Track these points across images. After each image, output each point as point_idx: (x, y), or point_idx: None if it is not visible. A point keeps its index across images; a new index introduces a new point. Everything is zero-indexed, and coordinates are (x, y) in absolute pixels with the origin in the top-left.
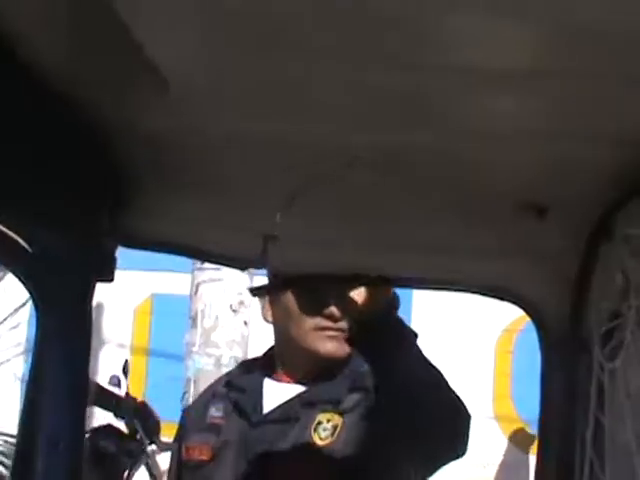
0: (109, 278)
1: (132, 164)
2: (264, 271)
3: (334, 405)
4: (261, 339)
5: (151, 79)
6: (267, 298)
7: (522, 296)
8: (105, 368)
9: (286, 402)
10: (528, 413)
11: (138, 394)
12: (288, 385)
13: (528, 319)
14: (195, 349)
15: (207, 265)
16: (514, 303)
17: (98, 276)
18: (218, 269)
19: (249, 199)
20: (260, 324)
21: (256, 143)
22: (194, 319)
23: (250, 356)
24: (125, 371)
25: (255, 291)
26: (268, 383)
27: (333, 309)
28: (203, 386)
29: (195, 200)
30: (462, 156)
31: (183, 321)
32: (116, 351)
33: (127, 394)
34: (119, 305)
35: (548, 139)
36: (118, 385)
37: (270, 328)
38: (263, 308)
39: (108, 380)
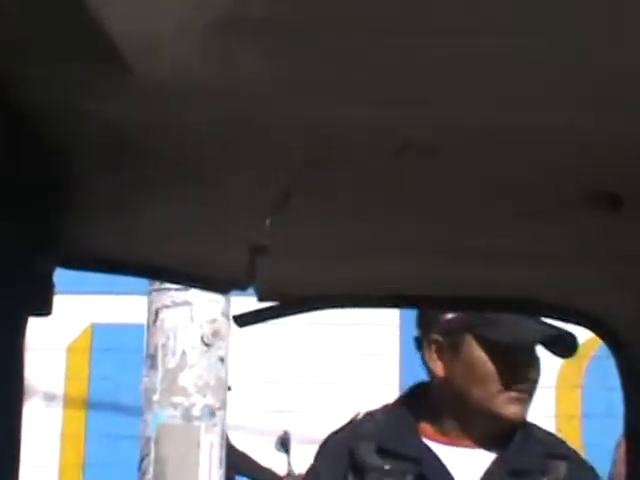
0: (45, 311)
1: (78, 161)
2: (245, 292)
3: (542, 473)
4: (242, 381)
5: (109, 60)
6: (434, 347)
7: (592, 312)
8: (32, 430)
9: (487, 473)
10: (604, 463)
11: (76, 462)
12: (471, 451)
13: (600, 342)
14: (156, 398)
15: (169, 284)
16: (581, 322)
17: (30, 309)
18: (184, 290)
19: (233, 200)
20: (241, 361)
21: (241, 132)
22: (153, 357)
23: (229, 404)
24: (285, 445)
25: (242, 319)
26: (441, 449)
27: (532, 372)
28: (169, 447)
29: (161, 205)
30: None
31: (137, 360)
32: (43, 405)
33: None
34: (47, 341)
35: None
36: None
37: (254, 366)
38: (429, 359)
39: (274, 442)
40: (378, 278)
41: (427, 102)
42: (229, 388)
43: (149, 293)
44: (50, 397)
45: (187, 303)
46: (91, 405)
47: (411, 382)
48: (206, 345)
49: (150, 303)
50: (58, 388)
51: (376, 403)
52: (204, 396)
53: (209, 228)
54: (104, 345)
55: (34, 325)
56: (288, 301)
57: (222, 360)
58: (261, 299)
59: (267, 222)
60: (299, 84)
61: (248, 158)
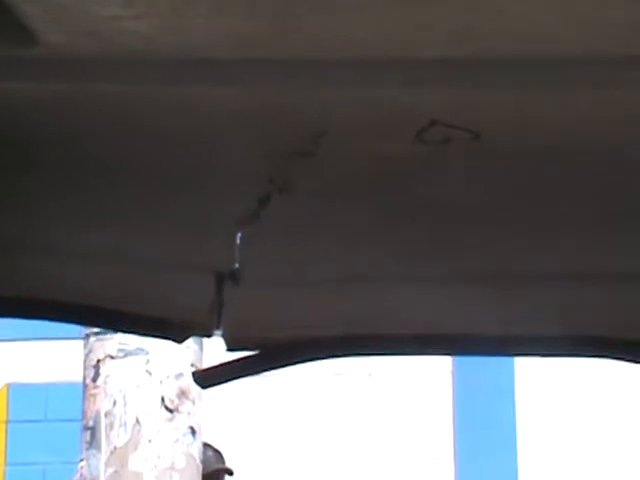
0: None
1: None
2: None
3: None
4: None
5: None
6: None
7: None
8: None
9: None
10: None
11: None
12: None
13: None
14: None
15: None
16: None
17: None
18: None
19: (191, 210)
20: (220, 432)
21: (192, 118)
22: (92, 430)
23: None
24: None
25: (204, 378)
26: None
27: None
28: None
29: (81, 221)
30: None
31: (71, 434)
32: None
33: None
34: None
35: None
36: None
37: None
38: None
39: None
40: (389, 312)
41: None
42: (229, 473)
43: (85, 338)
44: None
45: (141, 351)
46: None
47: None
48: (169, 411)
49: (88, 352)
50: None
51: None
52: None
53: (160, 250)
54: (23, 411)
55: None
56: (265, 349)
57: (193, 432)
58: (230, 347)
59: (237, 240)
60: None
61: (208, 154)
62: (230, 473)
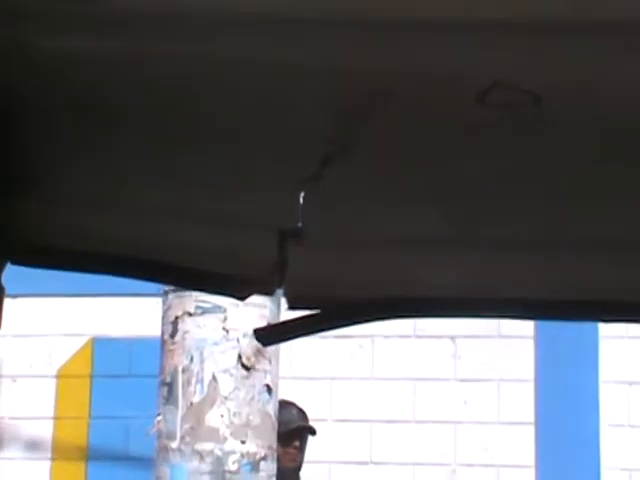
0: None
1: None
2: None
3: None
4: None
5: None
6: None
7: None
8: None
9: None
10: None
11: None
12: None
13: None
14: (175, 445)
15: None
16: None
17: None
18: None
19: (251, 173)
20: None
21: (258, 81)
22: (170, 386)
23: (276, 447)
24: None
25: (265, 336)
26: None
27: None
28: None
29: (154, 180)
30: None
31: (154, 389)
32: (25, 455)
33: None
34: (26, 365)
35: None
36: None
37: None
38: None
39: None
40: (446, 275)
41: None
42: (312, 432)
43: (164, 294)
44: (33, 444)
45: (218, 308)
46: (91, 452)
47: None
48: (246, 369)
49: (166, 309)
50: (46, 430)
51: None
52: (243, 442)
53: (225, 208)
54: (107, 366)
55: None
56: (325, 308)
57: (269, 390)
58: (291, 305)
59: (300, 199)
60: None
61: (270, 115)
62: (313, 432)
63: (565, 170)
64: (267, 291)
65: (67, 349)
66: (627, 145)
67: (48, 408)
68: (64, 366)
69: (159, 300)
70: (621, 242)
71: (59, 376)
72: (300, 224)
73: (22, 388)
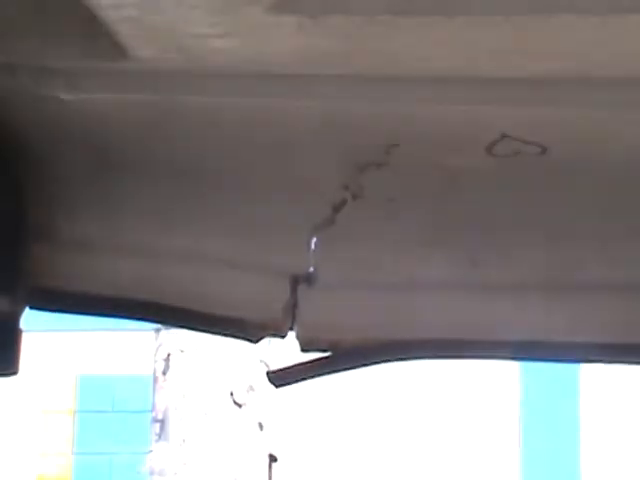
0: (11, 370)
1: (59, 168)
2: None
3: None
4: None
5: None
6: None
7: None
8: None
9: None
10: None
11: None
12: None
13: None
14: None
15: None
16: None
17: None
18: None
19: (267, 216)
20: (293, 423)
21: (274, 128)
22: (162, 422)
23: None
24: None
25: (279, 377)
26: None
27: None
28: None
29: (165, 222)
30: None
31: (140, 425)
32: None
33: None
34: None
35: None
36: None
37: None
38: None
39: None
40: (454, 318)
41: None
42: (274, 459)
43: (156, 330)
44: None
45: (211, 345)
46: None
47: None
48: (237, 405)
49: (159, 345)
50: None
51: None
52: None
53: (239, 252)
54: (92, 403)
55: None
56: (337, 351)
57: (261, 427)
58: (304, 348)
59: (312, 244)
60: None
61: (286, 163)
62: (275, 459)
63: (565, 215)
64: (280, 334)
65: (51, 384)
66: (628, 192)
67: (32, 443)
68: (47, 401)
69: (144, 335)
70: (621, 286)
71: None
72: (312, 269)
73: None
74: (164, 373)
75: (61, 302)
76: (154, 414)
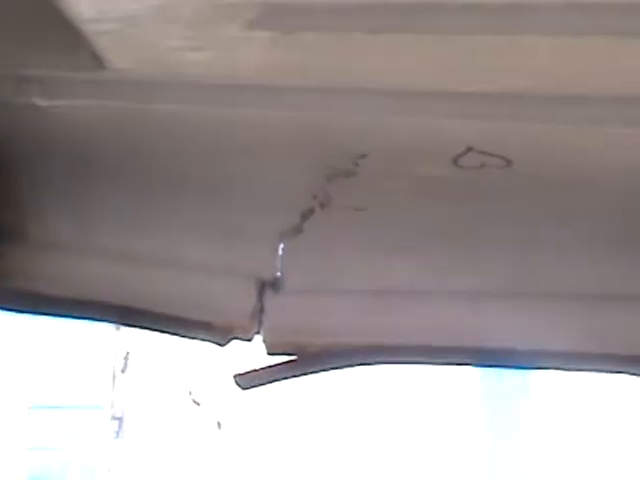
0: None
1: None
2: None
3: None
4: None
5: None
6: None
7: None
8: None
9: None
10: None
11: None
12: None
13: None
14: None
15: None
16: None
17: None
18: None
19: (235, 221)
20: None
21: (248, 137)
22: (120, 420)
23: None
24: None
25: (246, 380)
26: None
27: None
28: None
29: (135, 226)
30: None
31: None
32: None
33: None
34: None
35: None
36: None
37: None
38: None
39: None
40: (419, 324)
41: None
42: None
43: (116, 328)
44: None
45: (170, 344)
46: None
47: None
48: (196, 404)
49: (117, 344)
50: None
51: None
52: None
53: (206, 257)
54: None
55: None
56: (303, 355)
57: (219, 425)
58: (270, 351)
59: (280, 250)
60: (329, 77)
61: (256, 171)
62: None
63: (527, 226)
64: (246, 338)
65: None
66: (591, 204)
67: None
68: None
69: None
70: (581, 294)
71: None
72: (279, 274)
73: None
74: (123, 371)
75: (31, 304)
76: (112, 412)
